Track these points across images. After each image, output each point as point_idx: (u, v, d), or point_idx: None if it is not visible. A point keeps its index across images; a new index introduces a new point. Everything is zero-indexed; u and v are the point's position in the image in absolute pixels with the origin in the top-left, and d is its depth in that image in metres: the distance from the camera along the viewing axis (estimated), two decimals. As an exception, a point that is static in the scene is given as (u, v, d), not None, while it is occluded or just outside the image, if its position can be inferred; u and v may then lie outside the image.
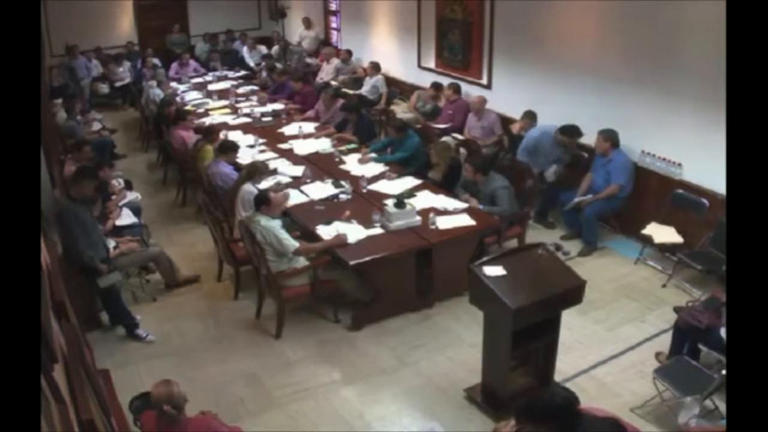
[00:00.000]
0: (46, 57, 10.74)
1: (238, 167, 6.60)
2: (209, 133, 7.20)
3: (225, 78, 11.23)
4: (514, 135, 7.35)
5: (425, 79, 9.16)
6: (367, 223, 5.46)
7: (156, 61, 11.43)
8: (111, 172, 7.16)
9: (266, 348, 5.06)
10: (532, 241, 5.69)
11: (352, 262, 5.01)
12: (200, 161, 6.89)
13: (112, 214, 6.05)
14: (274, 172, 6.59)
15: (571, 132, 6.52)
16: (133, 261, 5.64)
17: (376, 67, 9.94)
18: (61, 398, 2.26)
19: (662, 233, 5.83)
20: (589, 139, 6.47)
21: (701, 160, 5.72)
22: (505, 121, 7.78)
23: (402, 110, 8.94)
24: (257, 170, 5.95)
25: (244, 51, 12.57)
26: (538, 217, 6.75)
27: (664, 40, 5.86)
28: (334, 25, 12.37)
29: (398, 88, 9.91)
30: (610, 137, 6.20)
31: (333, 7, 12.25)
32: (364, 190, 6.20)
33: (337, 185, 6.22)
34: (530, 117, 7.16)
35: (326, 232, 5.37)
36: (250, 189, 5.72)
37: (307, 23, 12.37)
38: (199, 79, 11.10)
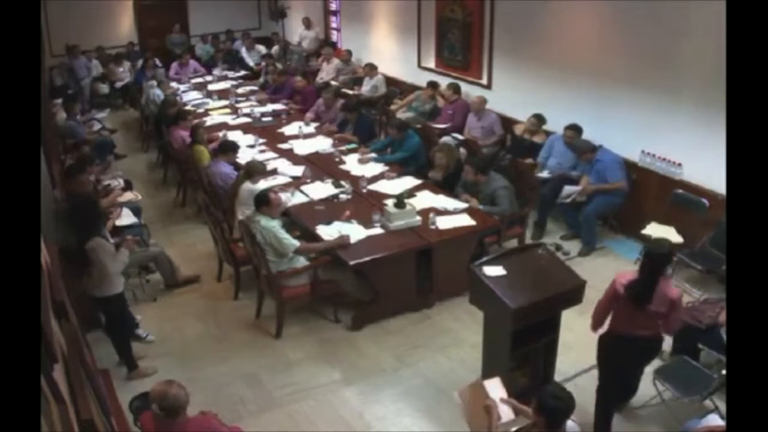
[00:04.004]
0: (46, 57, 10.74)
1: (238, 167, 6.60)
2: (195, 131, 7.20)
3: (225, 78, 11.24)
4: (517, 136, 7.34)
5: (425, 79, 9.15)
6: (367, 223, 5.45)
7: (156, 61, 11.43)
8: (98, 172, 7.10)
9: (266, 348, 5.06)
10: (531, 241, 5.70)
11: (352, 262, 5.01)
12: (198, 162, 6.89)
13: (112, 214, 6.04)
14: (274, 172, 6.60)
15: (575, 128, 6.54)
16: (133, 261, 5.62)
17: (373, 68, 9.94)
18: (61, 398, 2.26)
19: (662, 233, 5.81)
20: (588, 136, 6.48)
21: (701, 160, 5.72)
22: (506, 121, 7.78)
23: (402, 110, 8.94)
24: (255, 170, 5.95)
25: (243, 51, 12.57)
26: (536, 227, 6.56)
27: (664, 41, 5.86)
28: (334, 25, 12.37)
29: (398, 88, 9.91)
30: (586, 148, 6.25)
31: (333, 7, 12.25)
32: (364, 190, 6.20)
33: (337, 185, 6.22)
34: (539, 119, 7.12)
35: (326, 232, 5.37)
36: (249, 188, 5.73)
37: (307, 23, 12.38)
38: (199, 79, 11.10)
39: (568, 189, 6.26)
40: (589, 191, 6.19)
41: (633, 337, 3.75)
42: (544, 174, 6.61)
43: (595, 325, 3.98)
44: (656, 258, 3.67)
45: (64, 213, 4.93)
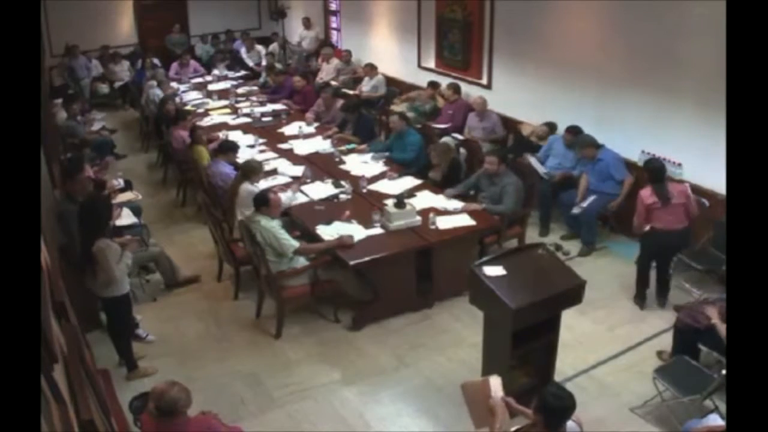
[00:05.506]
0: (46, 57, 10.73)
1: (237, 167, 6.60)
2: (192, 132, 7.20)
3: (225, 78, 11.23)
4: (524, 137, 7.33)
5: (425, 79, 9.16)
6: (367, 223, 5.45)
7: (156, 61, 11.42)
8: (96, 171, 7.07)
9: (266, 348, 5.07)
10: (531, 241, 5.70)
11: (352, 262, 5.01)
12: (198, 162, 6.89)
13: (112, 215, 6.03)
14: (274, 172, 6.59)
15: (574, 130, 6.54)
16: (133, 261, 5.61)
17: (373, 68, 9.94)
18: (61, 398, 2.26)
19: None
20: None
21: (701, 160, 5.72)
22: (506, 122, 7.78)
23: (401, 110, 8.93)
24: (252, 169, 5.94)
25: (242, 51, 12.56)
26: (542, 225, 6.64)
27: (665, 40, 5.86)
28: (334, 25, 12.37)
29: (398, 88, 9.90)
30: (589, 142, 6.25)
31: (333, 7, 12.24)
32: (364, 190, 6.20)
33: (337, 185, 6.22)
34: (550, 128, 7.11)
35: (326, 232, 5.37)
36: (248, 189, 5.72)
37: (307, 23, 12.37)
38: (199, 79, 11.09)
39: (585, 203, 6.17)
40: (615, 207, 6.17)
41: (668, 231, 5.08)
42: (539, 166, 6.61)
43: (638, 228, 5.31)
44: (652, 169, 5.11)
45: (70, 213, 4.90)
